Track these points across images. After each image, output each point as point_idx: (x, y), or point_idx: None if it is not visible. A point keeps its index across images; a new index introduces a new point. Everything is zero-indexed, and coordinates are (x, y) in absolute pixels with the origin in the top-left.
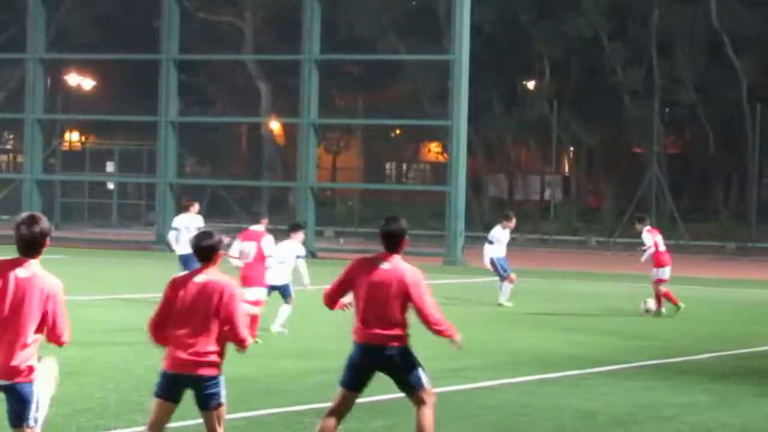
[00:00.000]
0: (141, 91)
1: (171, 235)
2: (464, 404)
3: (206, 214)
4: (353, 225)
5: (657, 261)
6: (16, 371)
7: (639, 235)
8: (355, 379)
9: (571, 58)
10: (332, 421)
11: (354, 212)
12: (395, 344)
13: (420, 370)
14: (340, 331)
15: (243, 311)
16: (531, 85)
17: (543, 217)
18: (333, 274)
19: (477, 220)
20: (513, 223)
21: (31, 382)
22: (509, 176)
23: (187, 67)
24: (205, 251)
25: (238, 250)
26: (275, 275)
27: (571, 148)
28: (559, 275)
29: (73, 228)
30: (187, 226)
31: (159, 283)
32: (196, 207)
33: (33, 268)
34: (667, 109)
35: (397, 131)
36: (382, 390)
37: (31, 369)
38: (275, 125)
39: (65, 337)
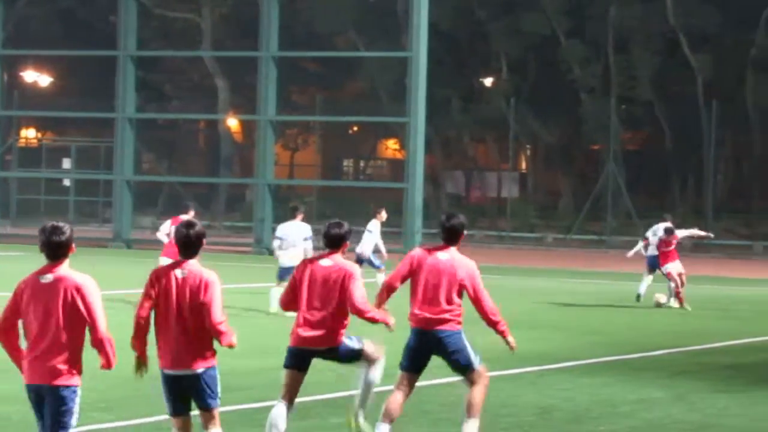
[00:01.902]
0: (98, 88)
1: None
2: (423, 401)
3: (163, 211)
4: (311, 221)
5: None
6: (189, 361)
7: (594, 232)
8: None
9: (528, 55)
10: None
11: (312, 209)
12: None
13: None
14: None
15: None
16: (488, 82)
17: (500, 214)
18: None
19: (434, 216)
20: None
21: (207, 368)
22: (467, 173)
23: (144, 63)
24: (335, 239)
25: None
26: (290, 257)
27: (528, 146)
28: (516, 272)
29: (29, 225)
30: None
31: (115, 280)
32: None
33: (189, 267)
34: (623, 106)
35: (355, 128)
36: (341, 387)
37: (197, 357)
38: (233, 122)
39: (221, 324)
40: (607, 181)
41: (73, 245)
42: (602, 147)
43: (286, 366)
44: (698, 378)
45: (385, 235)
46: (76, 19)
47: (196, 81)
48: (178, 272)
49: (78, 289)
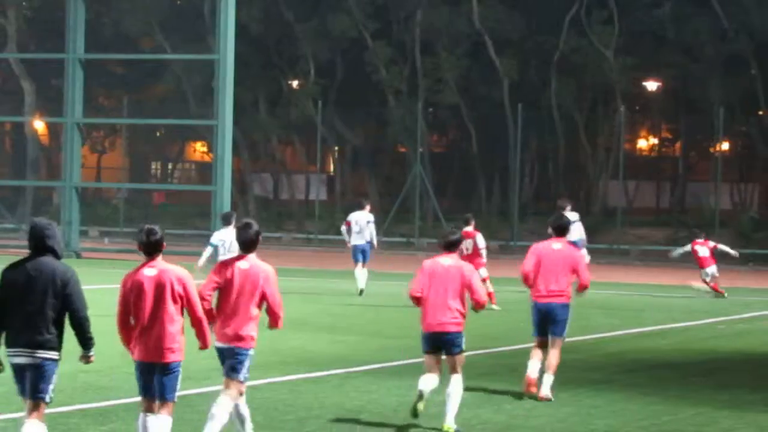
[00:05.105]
0: None
1: None
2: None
3: None
4: (118, 225)
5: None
6: (241, 338)
7: (402, 234)
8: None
9: (335, 57)
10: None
11: (119, 212)
12: None
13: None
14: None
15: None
16: (296, 84)
17: (308, 216)
18: (98, 274)
19: (242, 219)
20: None
21: (249, 348)
22: (274, 176)
23: None
24: (453, 243)
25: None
26: None
27: (336, 148)
28: (324, 274)
29: None
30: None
31: None
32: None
33: (251, 260)
34: (430, 109)
35: (162, 131)
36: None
37: (252, 337)
38: (39, 124)
39: (281, 312)
40: (414, 183)
41: (164, 243)
42: (409, 149)
43: (425, 351)
44: (505, 379)
45: (192, 238)
46: None
47: (1, 83)
48: (241, 264)
49: (180, 279)
